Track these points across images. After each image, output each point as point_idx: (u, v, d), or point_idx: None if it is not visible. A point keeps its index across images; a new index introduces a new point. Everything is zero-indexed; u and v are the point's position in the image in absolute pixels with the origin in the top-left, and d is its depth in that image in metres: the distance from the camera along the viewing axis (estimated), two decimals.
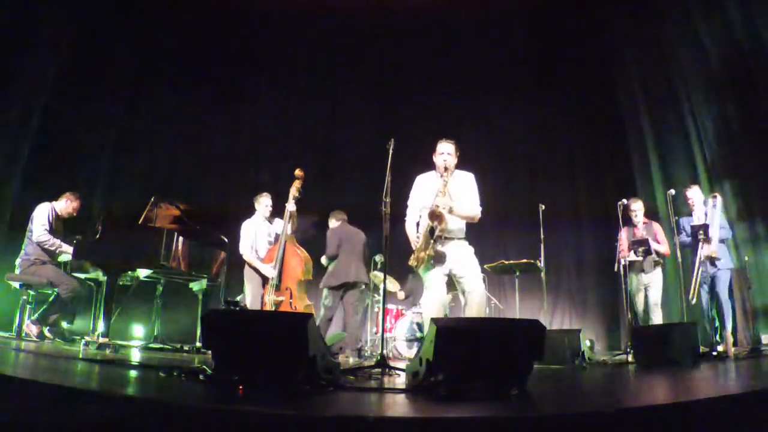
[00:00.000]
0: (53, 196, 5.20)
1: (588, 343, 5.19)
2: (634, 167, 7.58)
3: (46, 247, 4.90)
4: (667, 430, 1.64)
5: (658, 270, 5.34)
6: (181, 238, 4.59)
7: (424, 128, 7.45)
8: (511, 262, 5.90)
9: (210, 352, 2.47)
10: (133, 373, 2.59)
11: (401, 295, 6.80)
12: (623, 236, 5.41)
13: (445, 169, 3.53)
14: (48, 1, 6.30)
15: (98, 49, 7.01)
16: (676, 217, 5.24)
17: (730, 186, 5.95)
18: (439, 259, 3.47)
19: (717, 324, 4.99)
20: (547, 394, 2.40)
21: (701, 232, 5.03)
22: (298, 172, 4.92)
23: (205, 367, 2.41)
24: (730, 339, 4.49)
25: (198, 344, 4.91)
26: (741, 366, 3.70)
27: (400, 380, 2.78)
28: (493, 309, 6.82)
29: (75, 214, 5.28)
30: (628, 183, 7.33)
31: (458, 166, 3.68)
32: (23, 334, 4.64)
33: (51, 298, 4.85)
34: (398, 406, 1.93)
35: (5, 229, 5.87)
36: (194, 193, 7.26)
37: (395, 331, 6.22)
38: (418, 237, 3.55)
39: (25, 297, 4.74)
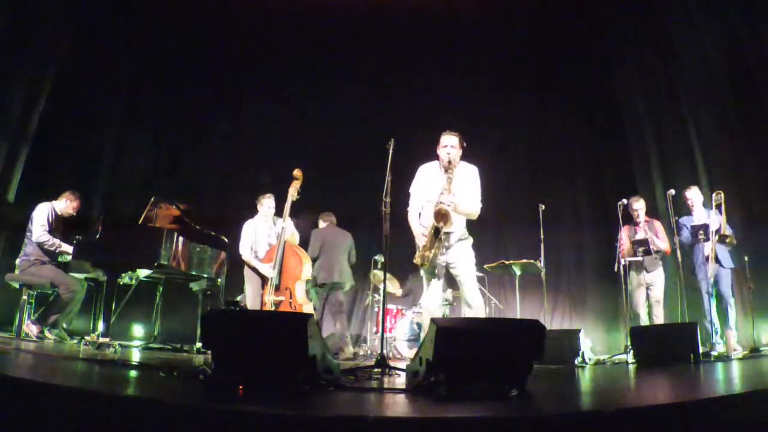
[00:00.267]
0: (53, 196, 5.20)
1: (588, 343, 5.19)
2: (634, 167, 7.58)
3: (45, 247, 4.90)
4: (667, 430, 1.64)
5: (660, 269, 5.35)
6: (181, 238, 4.60)
7: (424, 128, 7.44)
8: (511, 262, 5.90)
9: (210, 352, 2.47)
10: (133, 373, 2.59)
11: (400, 292, 6.82)
12: (623, 236, 5.41)
13: (449, 163, 3.48)
14: (48, 1, 6.30)
15: (98, 49, 7.00)
16: (676, 217, 5.24)
17: (730, 186, 5.94)
18: (440, 270, 3.50)
19: (717, 324, 4.99)
20: (547, 394, 2.39)
21: (701, 231, 5.03)
22: (296, 172, 4.93)
23: (205, 367, 2.41)
24: (731, 339, 4.49)
25: (198, 344, 4.91)
26: (741, 366, 3.70)
27: (400, 380, 2.78)
28: (493, 309, 6.82)
29: (75, 214, 5.28)
30: (628, 183, 7.31)
31: (461, 158, 3.64)
32: (23, 334, 4.63)
33: (51, 298, 4.85)
34: (398, 406, 1.93)
35: (5, 228, 5.87)
36: (194, 193, 7.27)
37: (395, 331, 6.23)
38: (423, 234, 3.49)
39: (25, 297, 4.73)
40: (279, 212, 5.17)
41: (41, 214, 4.97)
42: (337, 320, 5.75)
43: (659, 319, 5.22)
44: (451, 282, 3.67)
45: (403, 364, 3.24)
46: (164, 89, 7.79)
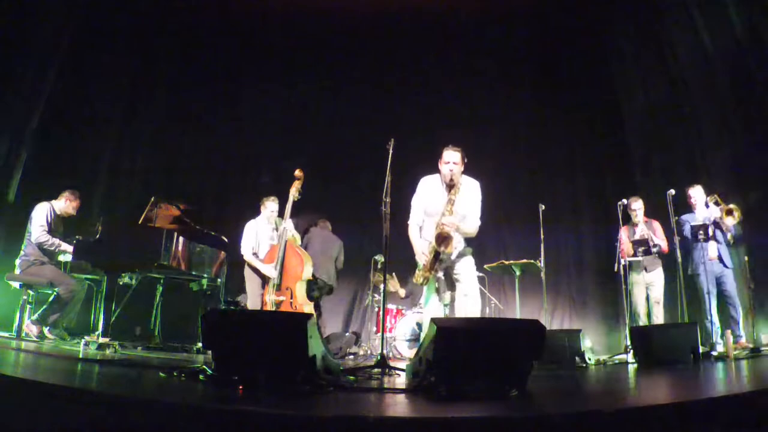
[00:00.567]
0: (53, 196, 5.19)
1: (588, 343, 5.19)
2: (634, 167, 7.58)
3: (45, 247, 4.89)
4: (667, 430, 1.64)
5: (660, 269, 5.35)
6: (181, 238, 4.59)
7: (424, 128, 7.45)
8: (511, 262, 5.90)
9: (210, 352, 2.47)
10: (133, 373, 2.59)
11: (402, 293, 6.81)
12: (623, 236, 5.41)
13: (451, 180, 3.47)
14: (48, 1, 6.29)
15: (98, 49, 7.00)
16: (677, 217, 5.23)
17: (730, 186, 5.94)
18: (441, 286, 3.54)
19: (718, 324, 4.99)
20: (547, 394, 2.40)
21: (701, 232, 5.03)
22: (297, 172, 4.93)
23: (205, 367, 2.41)
24: (731, 339, 4.49)
25: (198, 344, 4.91)
26: (741, 366, 3.70)
27: (400, 380, 2.78)
28: (493, 309, 6.83)
29: (74, 214, 5.28)
30: (628, 183, 7.32)
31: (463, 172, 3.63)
32: (23, 334, 4.63)
33: (51, 298, 4.85)
34: (398, 406, 1.93)
35: (5, 229, 5.86)
36: (194, 193, 7.27)
37: (395, 331, 6.23)
38: (423, 253, 3.49)
39: (25, 297, 4.74)
40: (280, 213, 5.17)
41: (40, 214, 4.96)
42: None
43: (659, 319, 5.22)
44: (451, 283, 3.68)
45: (403, 364, 3.24)
46: (164, 89, 7.78)
